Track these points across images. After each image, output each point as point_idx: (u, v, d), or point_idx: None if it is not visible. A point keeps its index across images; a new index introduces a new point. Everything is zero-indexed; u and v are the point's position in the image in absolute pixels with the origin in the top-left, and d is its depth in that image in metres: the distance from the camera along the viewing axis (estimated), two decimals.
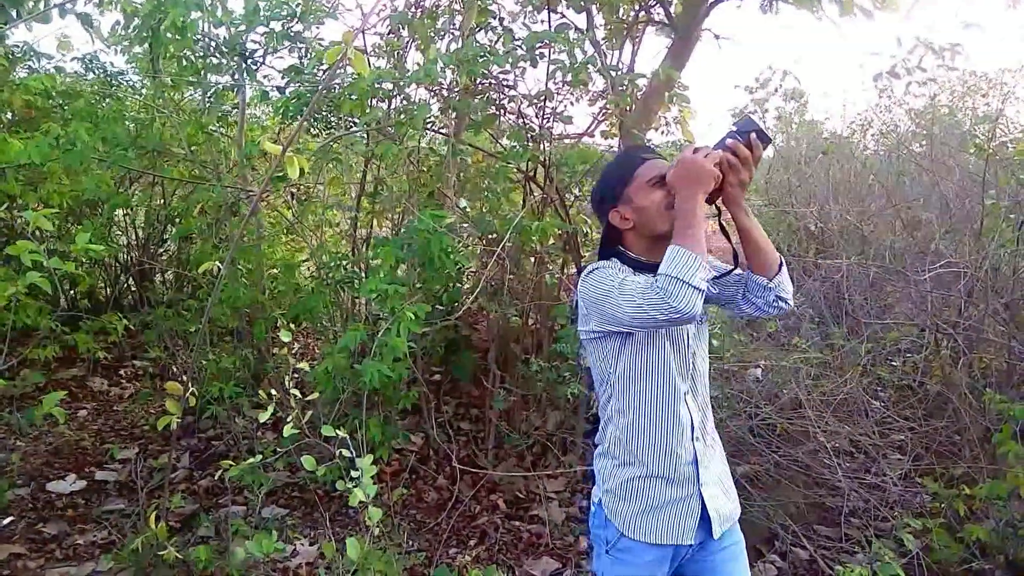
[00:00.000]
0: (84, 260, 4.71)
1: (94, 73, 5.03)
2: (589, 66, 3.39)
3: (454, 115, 3.83)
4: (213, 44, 3.80)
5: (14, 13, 3.85)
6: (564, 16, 3.75)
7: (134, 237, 5.52)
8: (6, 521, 3.29)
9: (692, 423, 1.77)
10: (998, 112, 4.73)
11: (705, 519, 1.75)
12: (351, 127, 3.99)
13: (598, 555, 1.85)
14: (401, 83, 3.55)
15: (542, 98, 3.76)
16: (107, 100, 4.70)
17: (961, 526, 2.88)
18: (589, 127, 4.15)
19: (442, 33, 3.73)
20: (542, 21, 3.85)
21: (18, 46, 4.57)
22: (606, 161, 3.87)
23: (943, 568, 2.83)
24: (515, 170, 3.88)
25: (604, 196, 1.81)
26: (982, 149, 3.76)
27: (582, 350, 1.76)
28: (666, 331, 1.72)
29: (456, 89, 3.69)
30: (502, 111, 3.79)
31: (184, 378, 2.61)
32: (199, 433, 4.21)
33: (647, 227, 1.74)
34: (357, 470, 2.28)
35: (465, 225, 3.93)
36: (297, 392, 2.56)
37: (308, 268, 4.61)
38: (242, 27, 3.66)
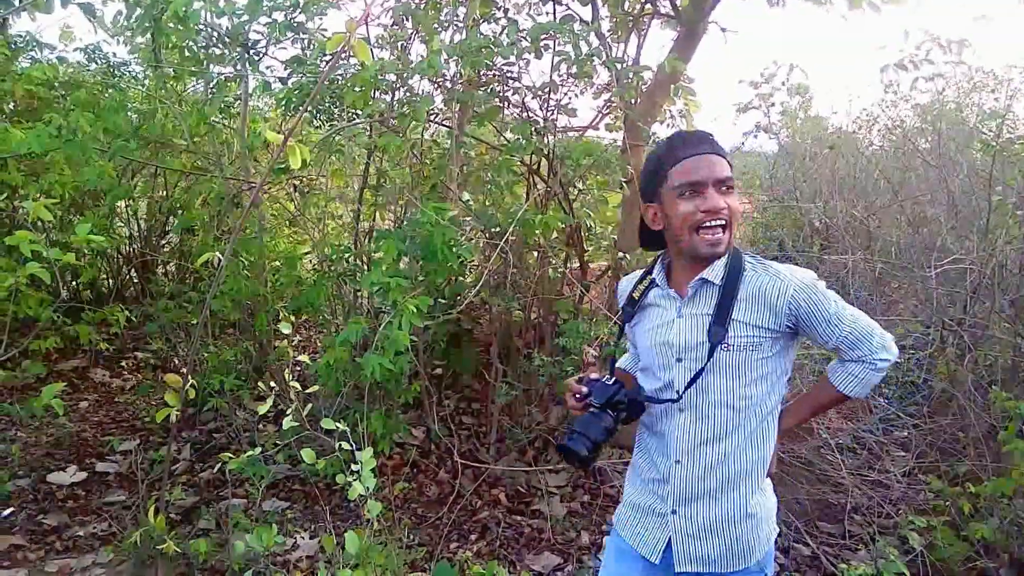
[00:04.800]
0: (86, 251, 4.70)
1: (96, 63, 5.03)
2: (594, 58, 3.36)
3: (458, 107, 3.81)
4: (215, 34, 3.78)
5: (16, 2, 3.83)
6: (569, 8, 3.73)
7: (136, 228, 5.52)
8: (6, 512, 3.28)
9: (676, 439, 1.56)
10: (1005, 108, 4.70)
11: (670, 547, 1.59)
12: (354, 119, 3.97)
13: None
14: (404, 75, 3.53)
15: (546, 90, 3.74)
16: (109, 90, 4.67)
17: (965, 524, 2.86)
18: (594, 120, 4.13)
19: (446, 24, 3.71)
20: (547, 12, 3.83)
21: (21, 36, 4.56)
22: (610, 155, 3.86)
23: (947, 566, 2.82)
24: (519, 163, 3.86)
25: (642, 188, 1.58)
26: (989, 145, 3.73)
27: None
28: None
29: (460, 81, 3.67)
30: (506, 103, 3.77)
31: (185, 370, 2.59)
32: (200, 425, 4.21)
33: (672, 240, 1.55)
34: (358, 463, 2.26)
35: (468, 218, 3.91)
36: (297, 385, 2.55)
37: (310, 260, 4.60)
38: (244, 17, 3.63)
